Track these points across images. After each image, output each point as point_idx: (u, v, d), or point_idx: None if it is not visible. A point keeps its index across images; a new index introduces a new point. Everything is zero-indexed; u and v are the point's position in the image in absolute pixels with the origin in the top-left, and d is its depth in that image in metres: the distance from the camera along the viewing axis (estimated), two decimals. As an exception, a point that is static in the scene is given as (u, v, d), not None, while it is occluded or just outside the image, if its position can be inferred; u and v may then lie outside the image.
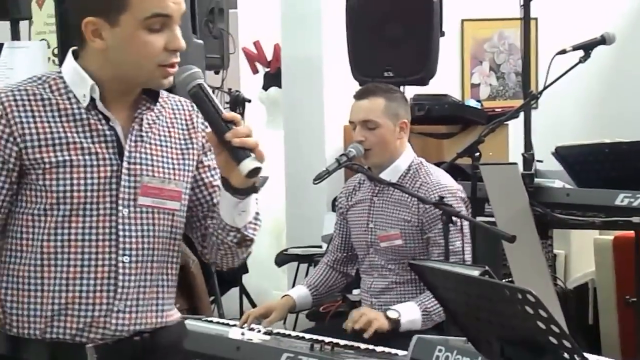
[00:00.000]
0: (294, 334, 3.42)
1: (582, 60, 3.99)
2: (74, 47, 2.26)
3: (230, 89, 5.41)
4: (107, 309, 2.22)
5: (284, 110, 6.13)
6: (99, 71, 2.21)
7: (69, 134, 2.19)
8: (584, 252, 4.72)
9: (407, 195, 3.59)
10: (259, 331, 3.37)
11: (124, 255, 2.21)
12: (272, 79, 6.70)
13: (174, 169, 2.28)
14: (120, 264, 2.21)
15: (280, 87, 6.27)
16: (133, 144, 2.23)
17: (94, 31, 2.18)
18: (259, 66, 6.95)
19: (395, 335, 3.40)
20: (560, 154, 4.19)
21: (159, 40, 2.19)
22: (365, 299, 3.75)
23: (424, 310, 3.47)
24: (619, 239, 4.21)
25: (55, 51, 4.40)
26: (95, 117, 2.21)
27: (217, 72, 5.12)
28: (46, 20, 6.32)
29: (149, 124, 2.27)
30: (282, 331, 3.44)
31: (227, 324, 3.52)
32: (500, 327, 2.27)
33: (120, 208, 2.21)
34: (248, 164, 2.14)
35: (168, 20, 2.19)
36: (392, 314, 3.43)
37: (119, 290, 2.22)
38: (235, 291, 5.58)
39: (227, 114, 2.19)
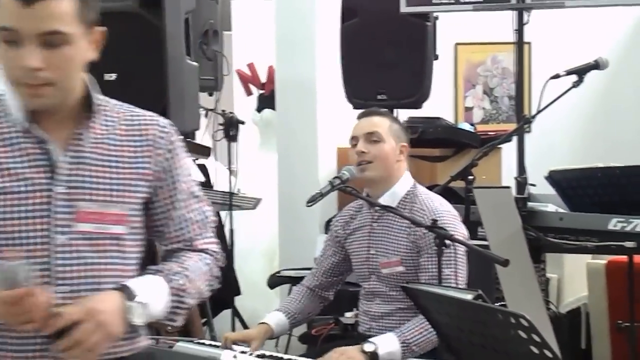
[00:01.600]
0: (286, 357, 3.40)
1: (576, 84, 4.00)
2: None
3: (224, 111, 5.41)
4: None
5: (278, 133, 6.12)
6: None
7: (3, 160, 2.10)
8: (576, 277, 4.72)
9: (405, 221, 3.57)
10: (251, 354, 3.36)
11: (62, 285, 2.09)
12: (266, 101, 6.70)
13: (119, 190, 2.15)
14: (59, 294, 2.07)
15: (274, 109, 6.27)
16: (69, 166, 2.12)
17: None
18: (252, 88, 6.96)
19: None
20: (553, 178, 4.19)
21: (14, 56, 2.05)
22: (363, 322, 3.72)
23: (403, 342, 3.42)
24: (612, 263, 4.20)
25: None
26: (30, 140, 2.11)
27: (210, 94, 5.12)
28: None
29: (94, 142, 2.15)
30: (274, 354, 3.43)
31: (219, 346, 3.51)
32: (493, 352, 2.27)
33: (55, 235, 2.09)
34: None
35: (17, 36, 2.04)
36: (368, 347, 3.38)
37: None
38: (227, 313, 5.55)
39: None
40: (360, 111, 3.90)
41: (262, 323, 3.70)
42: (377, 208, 3.65)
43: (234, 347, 3.47)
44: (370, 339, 3.42)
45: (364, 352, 3.36)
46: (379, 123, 3.70)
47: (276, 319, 3.73)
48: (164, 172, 2.21)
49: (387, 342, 3.41)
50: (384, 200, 3.63)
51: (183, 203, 2.25)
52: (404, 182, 3.69)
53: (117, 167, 2.16)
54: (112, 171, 2.15)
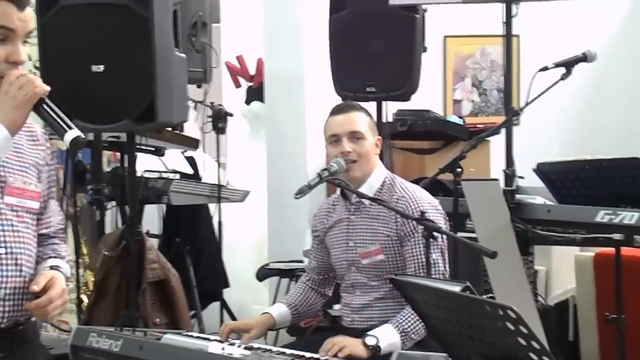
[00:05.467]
0: (274, 349, 3.40)
1: (564, 77, 4.01)
2: None
3: (212, 103, 5.40)
4: None
5: (267, 125, 6.12)
6: None
7: None
8: (564, 269, 4.73)
9: (385, 210, 3.59)
10: (239, 346, 3.35)
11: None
12: (255, 93, 6.70)
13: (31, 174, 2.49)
14: None
15: (262, 101, 6.26)
16: None
17: None
18: (241, 80, 6.95)
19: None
20: (542, 170, 4.21)
21: (0, 51, 2.35)
22: (346, 315, 3.74)
23: (402, 332, 3.44)
24: (599, 255, 4.22)
25: (37, 64, 4.38)
26: None
27: (199, 86, 5.11)
28: (28, 32, 6.29)
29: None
30: (262, 346, 3.43)
31: (208, 339, 3.50)
32: (481, 344, 2.27)
33: None
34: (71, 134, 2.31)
35: (11, 34, 2.35)
36: (370, 341, 3.39)
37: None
38: (216, 305, 5.55)
39: None
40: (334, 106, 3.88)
41: (265, 313, 3.74)
42: (354, 200, 3.67)
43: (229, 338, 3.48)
44: (369, 332, 3.44)
45: (365, 345, 3.37)
46: (359, 120, 3.69)
47: (278, 309, 3.78)
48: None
49: (387, 334, 3.44)
50: (361, 191, 3.64)
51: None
52: (378, 174, 3.71)
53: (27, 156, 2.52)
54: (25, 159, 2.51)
